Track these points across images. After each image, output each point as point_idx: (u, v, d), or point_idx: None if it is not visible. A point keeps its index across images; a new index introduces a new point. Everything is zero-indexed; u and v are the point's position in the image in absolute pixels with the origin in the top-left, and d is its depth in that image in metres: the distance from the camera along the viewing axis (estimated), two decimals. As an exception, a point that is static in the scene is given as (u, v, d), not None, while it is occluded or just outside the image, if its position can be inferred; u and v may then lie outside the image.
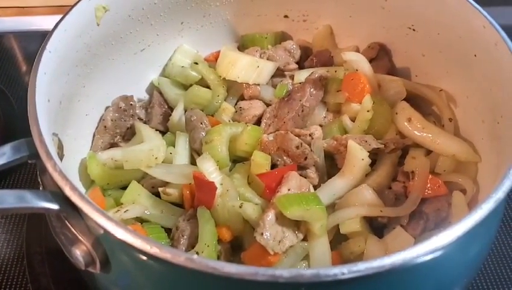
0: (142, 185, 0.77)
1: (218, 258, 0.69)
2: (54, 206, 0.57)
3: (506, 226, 0.91)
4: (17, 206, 0.55)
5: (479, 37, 0.73)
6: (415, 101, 0.86)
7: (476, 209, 0.53)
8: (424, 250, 0.49)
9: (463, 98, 0.81)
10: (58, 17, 0.73)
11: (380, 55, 0.93)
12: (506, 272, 0.86)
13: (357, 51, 0.95)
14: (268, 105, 0.88)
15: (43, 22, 1.21)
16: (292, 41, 0.97)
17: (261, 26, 0.97)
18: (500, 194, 0.54)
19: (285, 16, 0.98)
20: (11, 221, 0.94)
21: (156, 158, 0.75)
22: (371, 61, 0.89)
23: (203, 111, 0.86)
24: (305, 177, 0.75)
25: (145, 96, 0.94)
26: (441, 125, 0.83)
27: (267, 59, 0.91)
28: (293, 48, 0.95)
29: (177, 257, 0.49)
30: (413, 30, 0.86)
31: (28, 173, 0.99)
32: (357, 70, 0.85)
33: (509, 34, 0.70)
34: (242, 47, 0.97)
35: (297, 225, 0.69)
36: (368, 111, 0.80)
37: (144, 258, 0.52)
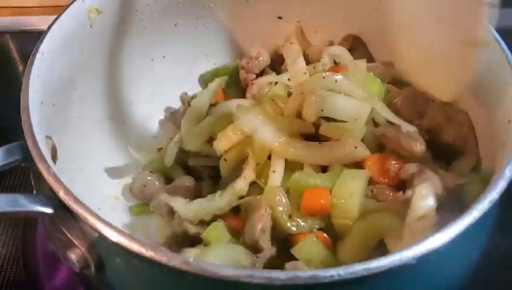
0: None
1: None
2: (48, 210, 0.56)
3: (504, 226, 0.92)
4: (11, 210, 0.55)
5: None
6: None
7: (471, 210, 0.53)
8: (419, 251, 0.49)
9: (458, 98, 0.81)
10: (55, 17, 0.73)
11: (355, 46, 0.92)
12: (504, 273, 0.86)
13: (331, 44, 0.95)
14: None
15: (39, 22, 1.21)
16: (256, 48, 0.94)
17: (254, 28, 0.97)
18: (494, 195, 0.54)
19: (279, 17, 0.98)
20: (6, 223, 0.93)
21: None
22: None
23: None
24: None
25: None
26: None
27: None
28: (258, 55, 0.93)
29: (173, 260, 0.49)
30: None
31: (22, 176, 0.98)
32: (338, 63, 0.85)
33: (503, 35, 0.70)
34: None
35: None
36: None
37: (140, 261, 0.51)
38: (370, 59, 0.92)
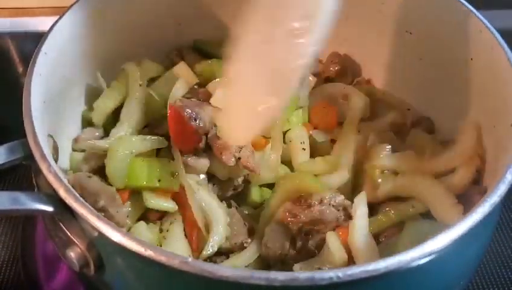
0: None
1: None
2: (49, 208, 0.56)
3: (503, 228, 0.92)
4: (11, 208, 0.55)
5: (476, 41, 0.73)
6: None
7: (471, 213, 0.53)
8: (419, 253, 0.49)
9: (459, 101, 0.81)
10: (55, 18, 0.73)
11: (343, 66, 0.93)
12: (503, 274, 0.86)
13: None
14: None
15: (39, 23, 1.21)
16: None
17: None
18: (495, 198, 0.54)
19: None
20: (6, 223, 0.93)
21: None
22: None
23: None
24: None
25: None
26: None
27: None
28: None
29: (172, 260, 0.49)
30: (410, 34, 0.86)
31: (23, 174, 0.99)
32: None
33: (505, 37, 0.70)
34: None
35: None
36: None
37: (139, 260, 0.51)
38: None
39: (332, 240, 0.65)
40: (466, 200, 0.68)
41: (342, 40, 0.96)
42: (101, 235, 0.52)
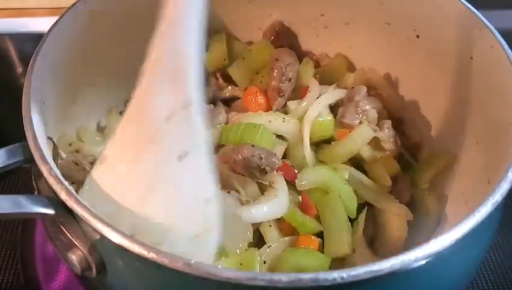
0: None
1: None
2: (50, 211, 0.56)
3: (504, 228, 0.92)
4: (12, 212, 0.55)
5: (476, 41, 0.74)
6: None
7: (474, 213, 0.53)
8: (422, 254, 0.49)
9: (460, 100, 0.82)
10: (55, 19, 0.73)
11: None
12: (504, 274, 0.86)
13: None
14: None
15: (39, 24, 1.21)
16: None
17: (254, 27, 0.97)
18: (498, 197, 0.54)
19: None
20: (5, 224, 0.93)
21: None
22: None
23: None
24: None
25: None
26: None
27: None
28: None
29: (175, 262, 0.48)
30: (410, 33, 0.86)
31: (23, 177, 0.98)
32: None
33: (505, 37, 0.70)
34: None
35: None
36: None
37: (141, 263, 0.51)
38: (298, 52, 0.93)
39: None
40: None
41: (343, 42, 0.96)
42: (103, 238, 0.51)
